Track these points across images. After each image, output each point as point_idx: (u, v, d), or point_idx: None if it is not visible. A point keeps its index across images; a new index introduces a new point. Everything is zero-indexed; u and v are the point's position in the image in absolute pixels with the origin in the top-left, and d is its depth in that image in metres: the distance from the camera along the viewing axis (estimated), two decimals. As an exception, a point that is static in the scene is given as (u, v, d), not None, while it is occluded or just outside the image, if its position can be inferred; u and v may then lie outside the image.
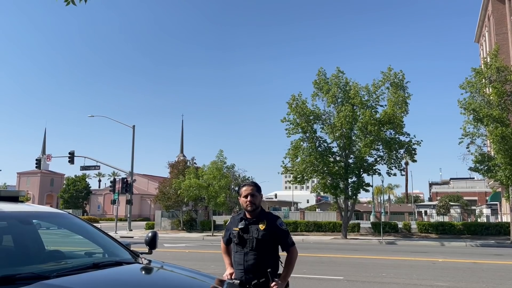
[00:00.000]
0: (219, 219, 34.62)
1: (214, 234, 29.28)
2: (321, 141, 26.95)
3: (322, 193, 34.72)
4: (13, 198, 3.93)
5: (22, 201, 4.02)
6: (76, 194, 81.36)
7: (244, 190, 3.66)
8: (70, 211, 67.50)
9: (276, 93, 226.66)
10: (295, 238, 23.06)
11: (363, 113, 25.06)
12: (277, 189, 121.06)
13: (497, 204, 43.24)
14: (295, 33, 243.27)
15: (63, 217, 3.92)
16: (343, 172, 26.04)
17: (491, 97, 22.38)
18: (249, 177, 39.76)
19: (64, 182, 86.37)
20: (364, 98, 26.13)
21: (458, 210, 43.79)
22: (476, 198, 64.35)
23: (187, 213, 35.78)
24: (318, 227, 29.94)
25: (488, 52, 30.63)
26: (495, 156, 22.29)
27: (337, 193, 26.50)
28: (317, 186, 27.94)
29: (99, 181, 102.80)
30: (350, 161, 26.54)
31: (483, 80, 22.98)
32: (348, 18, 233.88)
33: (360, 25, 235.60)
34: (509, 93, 22.56)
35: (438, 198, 59.58)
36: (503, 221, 30.71)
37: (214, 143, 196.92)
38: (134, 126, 35.98)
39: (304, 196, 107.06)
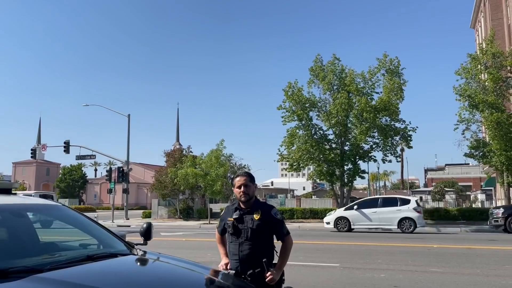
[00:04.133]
0: (216, 207, 34.71)
1: (210, 222, 29.40)
2: (317, 129, 26.97)
3: (318, 180, 34.88)
4: (6, 190, 3.90)
5: (15, 193, 3.99)
6: (72, 184, 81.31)
7: (238, 180, 3.65)
8: (67, 200, 67.40)
9: (273, 81, 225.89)
10: (292, 225, 23.22)
11: (359, 100, 25.05)
12: (273, 176, 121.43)
13: (491, 189, 43.59)
14: (292, 21, 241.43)
15: (57, 209, 3.90)
16: (339, 159, 26.11)
17: (487, 83, 22.42)
18: (245, 165, 39.84)
19: (60, 171, 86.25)
20: (359, 85, 26.10)
21: (453, 196, 44.14)
22: (471, 183, 64.81)
23: (184, 202, 35.86)
24: (314, 214, 30.09)
25: (483, 37, 30.56)
26: (490, 142, 22.39)
27: (333, 180, 26.63)
28: (313, 174, 28.06)
29: (95, 170, 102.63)
30: (346, 148, 26.61)
31: (479, 66, 22.97)
32: (344, 4, 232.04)
33: (355, 11, 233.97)
34: (504, 79, 22.58)
35: (434, 184, 60.00)
36: (497, 206, 30.97)
37: (210, 131, 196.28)
38: (129, 115, 35.86)
39: (300, 183, 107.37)
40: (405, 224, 19.57)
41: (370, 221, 20.31)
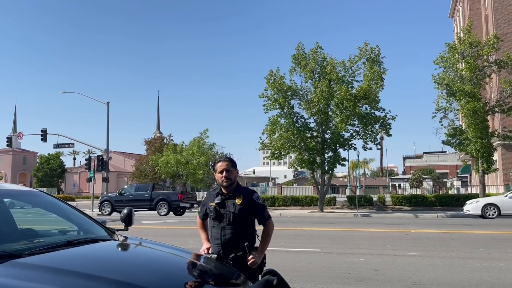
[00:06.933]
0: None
1: (192, 210, 29.37)
2: (298, 117, 27.05)
3: (299, 168, 35.13)
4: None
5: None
6: (50, 173, 79.71)
7: (219, 165, 3.65)
8: (45, 189, 66.21)
9: (254, 72, 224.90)
10: (273, 213, 23.41)
11: (339, 88, 25.19)
12: (255, 165, 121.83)
13: (467, 176, 44.80)
14: (274, 3, 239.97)
15: (35, 195, 3.82)
16: (320, 147, 26.31)
17: (464, 72, 22.82)
18: (227, 153, 39.77)
19: (38, 160, 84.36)
20: (340, 73, 26.21)
21: (431, 183, 45.24)
22: (447, 171, 66.44)
23: (165, 190, 35.62)
24: (296, 202, 30.39)
25: (461, 27, 31.02)
26: (467, 130, 22.90)
27: (313, 168, 26.84)
28: (294, 162, 28.22)
29: (74, 159, 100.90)
30: (327, 136, 26.80)
31: (456, 55, 23.35)
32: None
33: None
34: (480, 68, 23.04)
35: (412, 171, 61.17)
36: (472, 192, 31.85)
37: (191, 120, 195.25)
38: (108, 102, 35.18)
39: (282, 171, 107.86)
40: None
41: None
